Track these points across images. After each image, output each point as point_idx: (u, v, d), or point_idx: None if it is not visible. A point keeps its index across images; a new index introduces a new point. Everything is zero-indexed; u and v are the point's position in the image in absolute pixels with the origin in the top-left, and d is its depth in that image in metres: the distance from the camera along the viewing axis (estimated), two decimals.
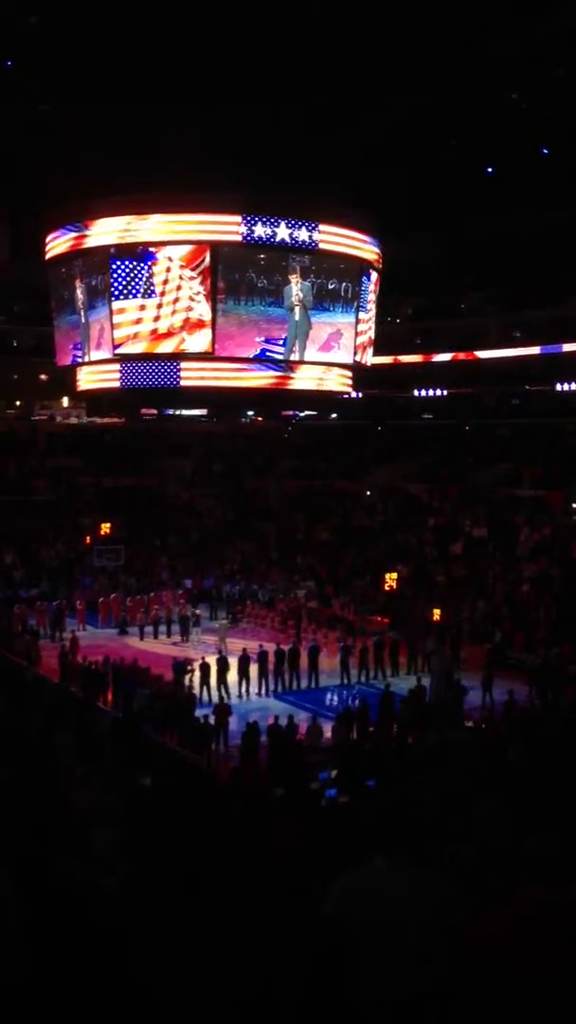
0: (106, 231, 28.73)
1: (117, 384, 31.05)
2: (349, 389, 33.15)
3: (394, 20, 27.10)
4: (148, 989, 2.57)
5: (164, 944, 2.89)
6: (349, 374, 31.99)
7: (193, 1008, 2.54)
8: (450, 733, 19.26)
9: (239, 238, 27.89)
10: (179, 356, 28.94)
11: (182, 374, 29.56)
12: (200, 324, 28.20)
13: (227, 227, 27.92)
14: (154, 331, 28.48)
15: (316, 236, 28.62)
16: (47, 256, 31.65)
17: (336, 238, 29.42)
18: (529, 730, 17.99)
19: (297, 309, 29.32)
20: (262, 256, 28.77)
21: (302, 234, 28.46)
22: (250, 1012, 2.49)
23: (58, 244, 30.73)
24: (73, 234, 29.79)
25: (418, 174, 37.24)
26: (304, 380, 30.68)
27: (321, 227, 28.70)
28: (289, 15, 26.88)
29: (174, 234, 28.10)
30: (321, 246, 28.90)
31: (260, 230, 27.95)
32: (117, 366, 30.19)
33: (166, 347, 28.59)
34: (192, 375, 29.65)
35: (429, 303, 49.30)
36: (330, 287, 29.87)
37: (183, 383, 29.74)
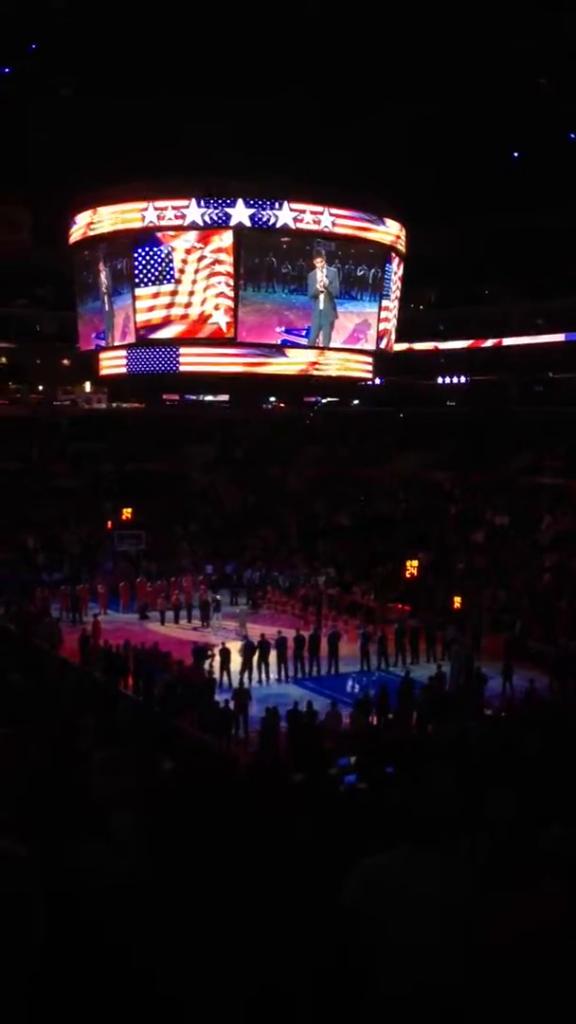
0: (120, 216, 28.59)
1: (124, 370, 31.17)
2: (368, 375, 32.65)
3: (421, 8, 26.93)
4: (164, 973, 2.59)
5: (181, 929, 2.90)
6: (369, 360, 31.60)
7: (208, 993, 2.55)
8: (469, 722, 19.27)
9: (198, 220, 27.83)
10: (201, 342, 28.90)
11: (180, 360, 29.50)
12: (225, 309, 28.13)
13: (240, 212, 27.71)
14: (178, 316, 28.40)
15: (331, 220, 28.35)
16: (70, 240, 31.67)
17: (355, 222, 29.15)
18: (548, 720, 17.95)
19: (322, 297, 28.91)
20: (285, 240, 28.34)
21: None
22: (266, 999, 2.50)
23: (78, 230, 30.75)
24: (88, 220, 29.70)
25: (444, 164, 36.96)
26: (319, 367, 30.37)
27: (337, 211, 28.45)
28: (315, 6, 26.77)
29: (193, 219, 27.90)
30: (338, 230, 28.63)
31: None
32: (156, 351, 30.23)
33: (187, 332, 28.54)
34: (191, 361, 29.56)
35: (453, 290, 48.98)
36: (359, 273, 29.41)
37: (182, 368, 29.69)
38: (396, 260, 31.22)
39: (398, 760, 15.34)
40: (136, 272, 28.47)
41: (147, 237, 28.27)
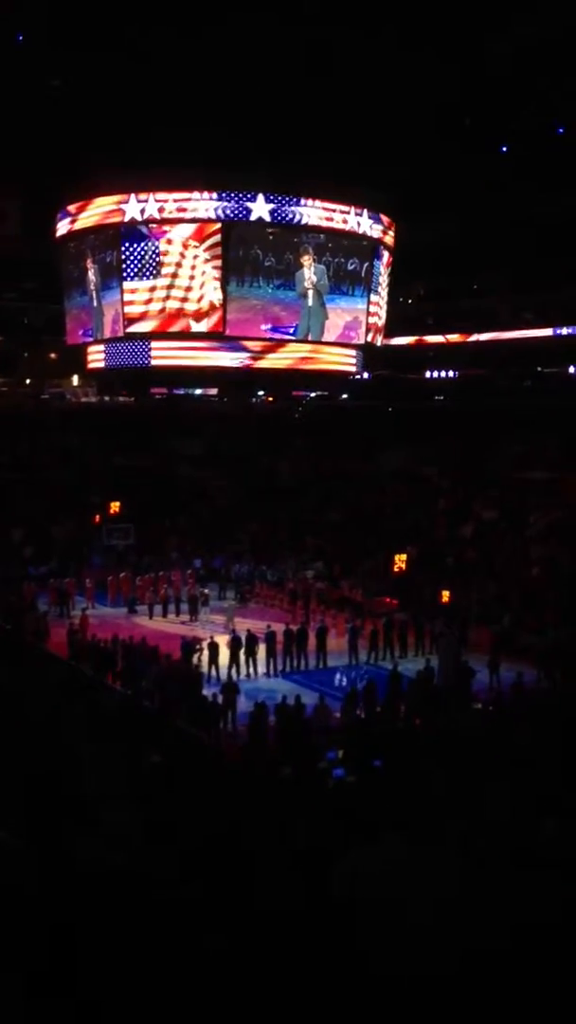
0: (108, 208, 28.30)
1: (103, 364, 31.05)
2: (351, 368, 32.14)
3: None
4: (156, 960, 2.60)
5: (172, 917, 2.91)
6: (352, 352, 31.22)
7: (200, 978, 2.56)
8: (457, 715, 19.34)
9: (254, 217, 27.40)
10: (189, 335, 28.73)
11: (152, 354, 29.36)
12: (212, 304, 27.91)
13: (243, 205, 27.44)
14: (167, 310, 28.18)
15: (296, 211, 28.09)
16: (57, 234, 31.47)
17: (346, 216, 28.92)
18: (536, 713, 18.04)
19: (311, 294, 28.57)
20: (271, 232, 28.01)
21: (310, 213, 27.82)
22: (259, 985, 2.51)
23: (65, 223, 30.49)
24: (73, 214, 29.40)
25: (433, 155, 36.95)
26: (289, 360, 29.53)
27: (329, 204, 28.18)
28: None
29: (186, 212, 27.53)
30: (331, 225, 28.34)
31: (273, 209, 27.37)
32: (130, 345, 30.02)
33: (177, 327, 28.35)
34: (163, 355, 29.40)
35: (442, 284, 48.98)
36: (349, 267, 28.98)
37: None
38: (385, 254, 31.12)
39: (386, 754, 15.39)
40: (125, 266, 28.26)
41: (137, 230, 28.03)
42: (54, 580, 33.10)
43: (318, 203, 28.26)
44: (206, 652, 24.38)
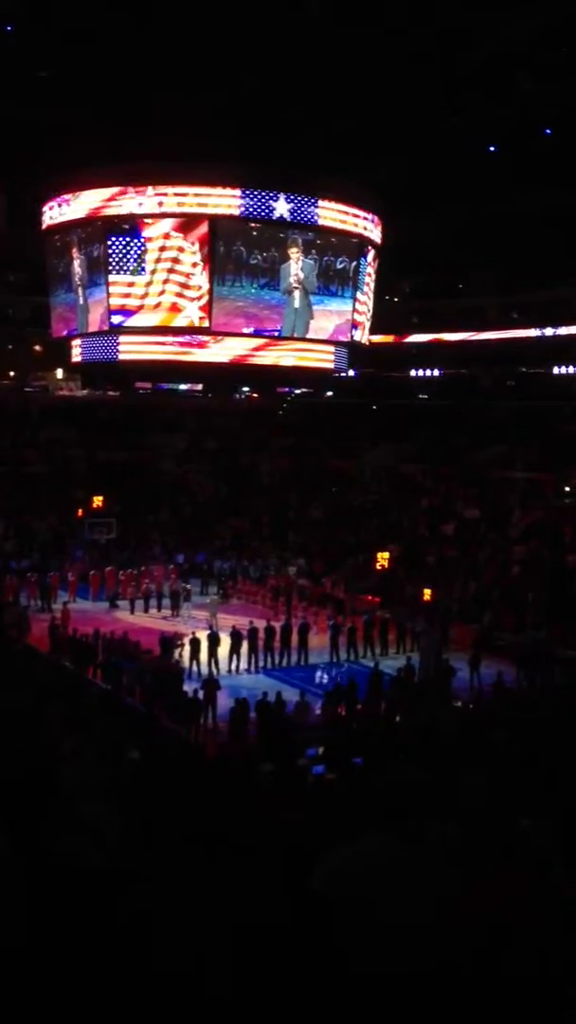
0: (98, 201, 27.97)
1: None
2: (329, 365, 31.08)
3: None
4: (138, 961, 2.59)
5: (153, 917, 2.91)
6: (330, 349, 30.45)
7: (182, 980, 2.56)
8: (437, 713, 19.40)
9: (237, 212, 27.18)
10: (174, 330, 28.53)
11: (120, 348, 29.16)
12: (199, 300, 27.68)
13: (225, 200, 27.21)
14: (153, 305, 27.93)
15: (316, 211, 27.85)
16: (43, 226, 31.16)
17: (336, 214, 28.73)
18: (515, 711, 18.13)
19: (296, 293, 27.86)
20: (254, 227, 27.19)
21: (303, 209, 27.56)
22: (237, 984, 2.51)
23: (52, 215, 30.19)
24: (64, 206, 29.05)
25: (418, 152, 36.94)
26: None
27: (321, 202, 27.92)
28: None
29: (171, 207, 27.09)
30: (321, 222, 28.07)
31: (260, 204, 27.09)
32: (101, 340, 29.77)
33: (162, 321, 28.15)
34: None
35: (427, 282, 49.09)
36: (339, 266, 28.53)
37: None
38: (371, 253, 31.04)
39: (366, 751, 15.43)
40: (111, 260, 28.01)
41: (123, 224, 27.78)
42: (35, 574, 32.97)
43: (332, 204, 28.11)
44: (187, 648, 24.37)
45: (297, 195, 27.26)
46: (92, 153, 29.96)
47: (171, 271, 27.37)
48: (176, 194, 27.14)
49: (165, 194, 27.13)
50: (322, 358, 30.22)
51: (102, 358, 29.93)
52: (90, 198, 28.33)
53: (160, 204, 27.24)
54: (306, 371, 31.22)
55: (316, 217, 27.80)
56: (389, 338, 46.18)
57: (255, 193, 26.88)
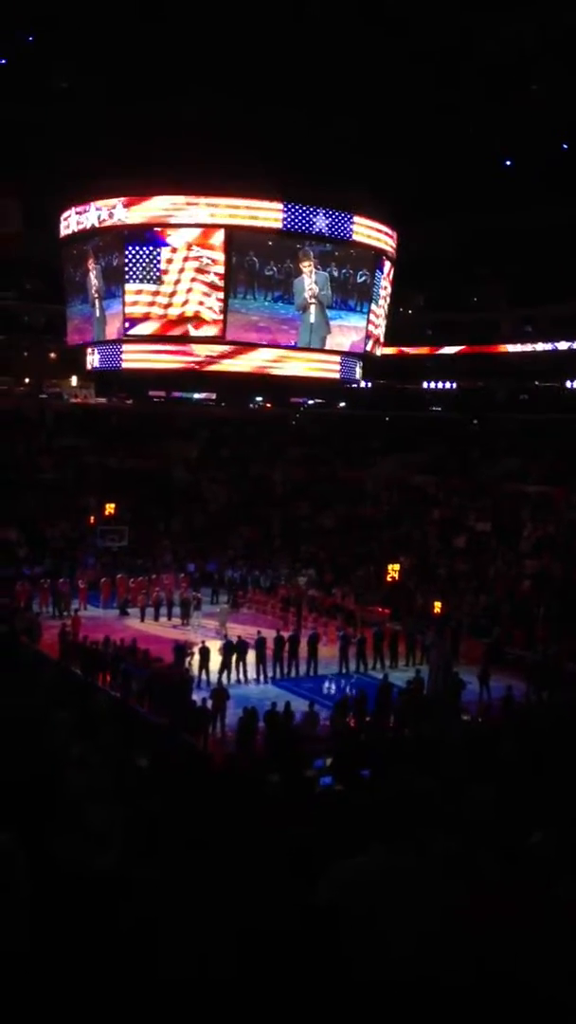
0: (135, 210, 27.42)
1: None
2: (335, 375, 30.53)
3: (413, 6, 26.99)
4: (142, 963, 2.61)
5: (157, 921, 2.92)
6: (337, 359, 29.87)
7: (186, 985, 2.57)
8: (445, 726, 19.34)
9: (280, 225, 27.07)
10: (189, 339, 28.54)
11: (123, 356, 29.22)
12: (213, 310, 27.65)
13: (267, 213, 27.09)
14: (167, 315, 27.94)
15: (352, 227, 27.76)
16: (62, 234, 31.15)
17: (367, 229, 28.65)
18: (523, 726, 18.06)
19: (312, 308, 27.67)
20: (269, 238, 26.92)
21: (340, 224, 27.46)
22: (242, 993, 2.53)
23: (79, 221, 29.79)
24: (100, 212, 28.68)
25: (433, 165, 37.05)
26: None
27: (356, 217, 27.78)
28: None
29: (210, 217, 26.84)
30: (356, 237, 27.90)
31: (301, 219, 26.94)
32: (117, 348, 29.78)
33: (177, 330, 28.15)
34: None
35: (442, 295, 49.13)
36: (360, 279, 28.30)
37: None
38: (387, 265, 31.05)
39: (374, 763, 15.39)
40: (128, 269, 28.06)
41: (141, 234, 27.77)
42: (48, 580, 33.06)
43: (364, 219, 28.08)
44: (197, 656, 24.37)
45: (335, 210, 27.27)
46: (109, 160, 30.12)
47: (193, 280, 27.30)
48: (209, 204, 26.96)
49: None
50: (328, 368, 30.05)
51: (116, 366, 30.01)
52: (121, 206, 27.88)
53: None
54: (313, 381, 30.99)
55: (351, 232, 27.78)
56: (402, 350, 46.23)
57: (297, 207, 26.89)
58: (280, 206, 26.70)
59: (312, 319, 27.56)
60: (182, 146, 30.18)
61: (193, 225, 26.93)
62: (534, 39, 28.47)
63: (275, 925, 2.92)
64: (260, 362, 28.52)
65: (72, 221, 30.03)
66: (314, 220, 26.99)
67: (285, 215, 26.76)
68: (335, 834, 8.30)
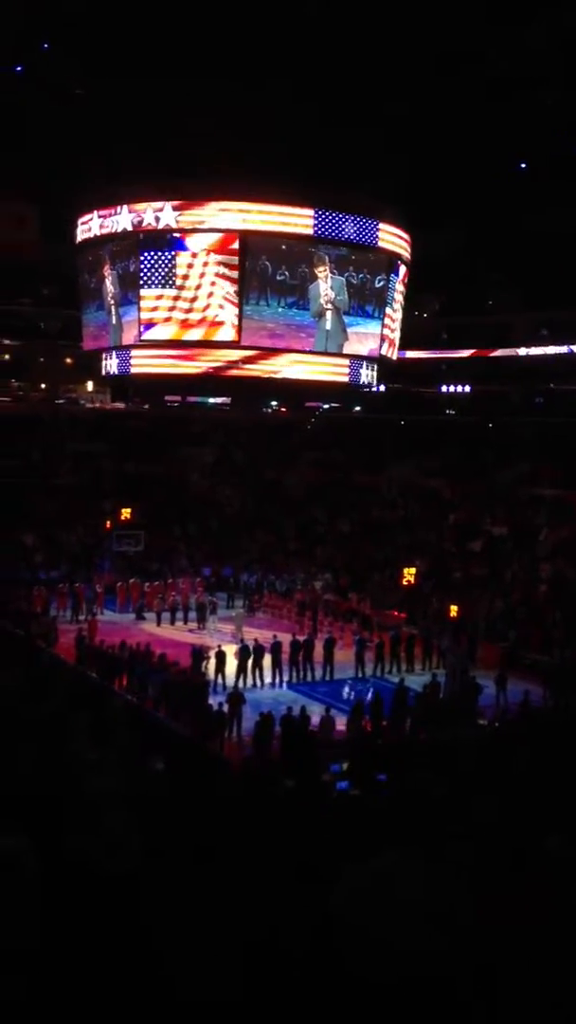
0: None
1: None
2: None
3: (427, 12, 27.04)
4: (155, 970, 2.64)
5: (172, 927, 2.95)
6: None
7: (198, 990, 2.60)
8: (461, 731, 19.30)
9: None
10: (207, 344, 28.60)
11: (132, 362, 29.28)
12: (228, 314, 27.67)
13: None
14: (183, 320, 27.98)
15: (378, 233, 27.74)
16: (82, 237, 30.99)
17: (390, 236, 28.65)
18: (539, 731, 17.99)
19: (329, 315, 27.51)
20: (283, 243, 27.01)
21: (367, 231, 27.45)
22: (253, 998, 2.55)
23: (103, 224, 29.69)
24: (133, 216, 28.43)
25: (448, 169, 37.06)
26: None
27: (382, 224, 27.74)
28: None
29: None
30: (381, 244, 27.88)
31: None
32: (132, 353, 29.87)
33: (193, 335, 28.22)
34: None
35: (456, 299, 49.08)
36: (377, 284, 28.11)
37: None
38: (402, 269, 31.05)
39: (390, 767, 15.37)
40: (142, 274, 28.15)
41: (156, 239, 27.81)
42: (64, 585, 33.19)
43: (389, 226, 28.06)
44: (213, 661, 24.40)
45: (362, 217, 27.30)
46: (125, 166, 30.25)
47: (213, 284, 27.26)
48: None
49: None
50: (336, 371, 29.97)
51: (131, 371, 30.13)
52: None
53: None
54: (321, 384, 30.85)
55: (376, 239, 27.79)
56: (418, 354, 46.20)
57: (327, 213, 26.92)
58: (311, 212, 26.72)
59: (328, 326, 27.46)
60: (208, 151, 30.34)
61: (224, 230, 26.92)
62: (548, 42, 28.45)
63: (286, 931, 2.94)
64: (269, 366, 28.54)
65: (95, 224, 29.89)
66: (343, 226, 27.05)
67: (316, 221, 26.78)
68: (349, 839, 8.31)
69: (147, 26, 28.67)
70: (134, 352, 29.33)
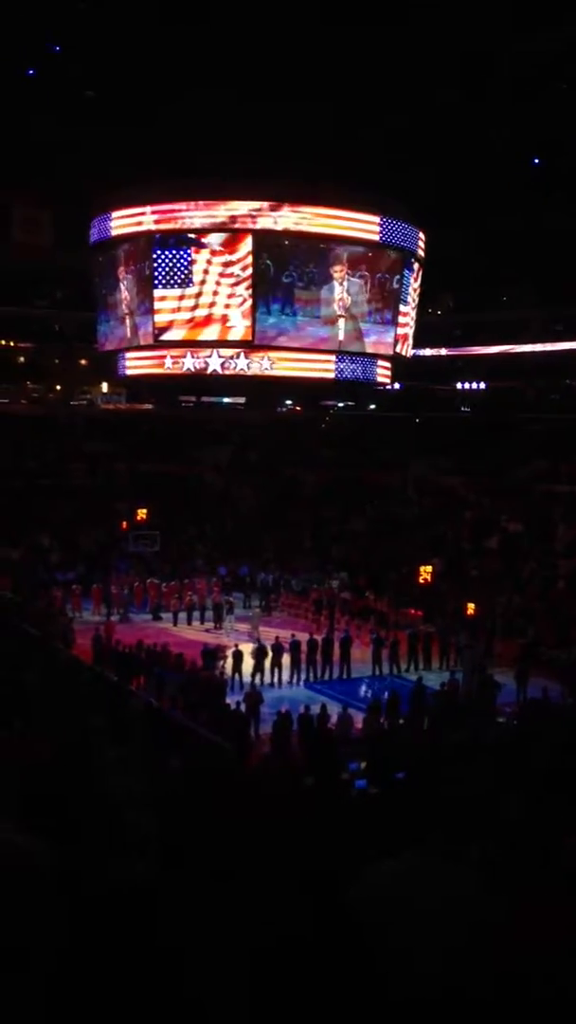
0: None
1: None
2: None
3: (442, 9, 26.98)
4: (176, 973, 2.63)
5: (192, 928, 2.94)
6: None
7: (217, 991, 2.58)
8: (480, 729, 19.23)
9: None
10: (220, 344, 28.58)
11: (127, 364, 29.30)
12: (240, 314, 27.65)
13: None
14: (192, 320, 27.98)
15: (418, 239, 27.66)
16: (107, 235, 30.61)
17: (420, 241, 28.60)
18: (559, 729, 17.90)
19: (342, 323, 27.14)
20: (291, 241, 26.56)
21: (410, 237, 27.35)
22: (272, 996, 2.53)
23: (123, 224, 29.43)
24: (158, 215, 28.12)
25: (461, 165, 36.95)
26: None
27: (419, 231, 27.74)
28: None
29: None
30: (418, 250, 27.78)
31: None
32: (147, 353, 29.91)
33: (206, 335, 28.21)
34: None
35: (471, 296, 48.95)
36: (395, 285, 27.74)
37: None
38: (416, 266, 30.96)
39: (409, 766, 15.34)
40: (156, 275, 28.15)
41: (170, 239, 27.78)
42: (80, 586, 33.29)
43: (421, 232, 28.04)
44: (230, 660, 24.43)
45: (407, 223, 27.28)
46: (142, 170, 30.28)
47: (228, 285, 27.14)
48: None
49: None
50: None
51: (145, 371, 30.20)
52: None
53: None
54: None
55: (417, 244, 27.74)
56: (432, 351, 46.13)
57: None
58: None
59: (341, 335, 27.11)
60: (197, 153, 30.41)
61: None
62: (562, 42, 28.34)
63: (299, 934, 2.92)
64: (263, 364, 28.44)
65: (114, 224, 29.69)
66: (405, 233, 27.03)
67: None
68: (368, 837, 8.28)
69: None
70: (148, 353, 29.36)
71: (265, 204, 26.52)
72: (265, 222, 26.58)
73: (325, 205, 26.83)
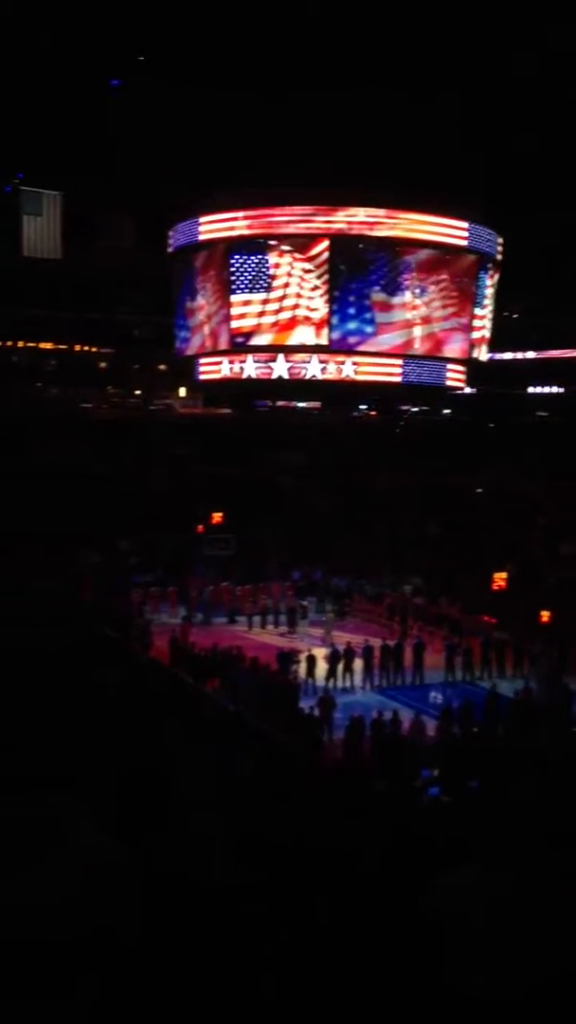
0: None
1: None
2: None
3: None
4: (246, 974, 2.79)
5: (260, 929, 3.10)
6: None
7: (291, 989, 2.74)
8: (555, 738, 19.06)
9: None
10: (297, 348, 28.77)
11: (200, 370, 29.56)
12: (312, 319, 27.80)
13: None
14: (275, 323, 28.17)
15: (495, 243, 27.73)
16: (197, 239, 30.92)
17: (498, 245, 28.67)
18: None
19: (419, 329, 27.47)
20: (367, 247, 26.97)
21: (490, 242, 27.49)
22: (348, 993, 2.69)
23: (213, 230, 29.83)
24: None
25: (535, 166, 36.56)
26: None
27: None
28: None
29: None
30: (497, 255, 27.89)
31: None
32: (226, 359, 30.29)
33: (288, 339, 28.42)
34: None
35: (546, 299, 48.29)
36: (471, 287, 27.89)
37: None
38: (491, 268, 30.73)
39: (482, 775, 15.30)
40: (234, 279, 28.47)
41: (247, 244, 28.04)
42: (158, 589, 33.79)
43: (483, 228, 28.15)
44: (304, 664, 24.58)
45: (488, 229, 27.42)
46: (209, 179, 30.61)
47: (309, 288, 27.38)
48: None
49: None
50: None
51: (226, 377, 30.57)
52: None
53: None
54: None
55: (495, 249, 27.81)
56: (507, 355, 45.71)
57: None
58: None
59: (417, 342, 27.25)
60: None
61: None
62: None
63: (379, 937, 3.06)
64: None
65: (202, 228, 30.07)
66: (487, 238, 27.18)
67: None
68: (443, 845, 8.36)
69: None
70: (225, 358, 29.74)
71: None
72: (360, 228, 26.98)
73: (423, 211, 27.08)
